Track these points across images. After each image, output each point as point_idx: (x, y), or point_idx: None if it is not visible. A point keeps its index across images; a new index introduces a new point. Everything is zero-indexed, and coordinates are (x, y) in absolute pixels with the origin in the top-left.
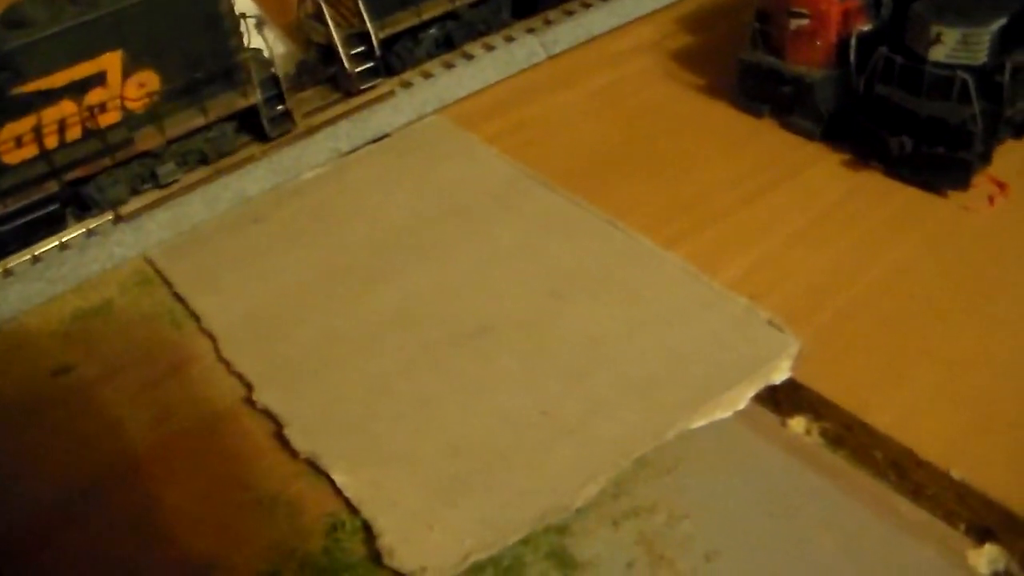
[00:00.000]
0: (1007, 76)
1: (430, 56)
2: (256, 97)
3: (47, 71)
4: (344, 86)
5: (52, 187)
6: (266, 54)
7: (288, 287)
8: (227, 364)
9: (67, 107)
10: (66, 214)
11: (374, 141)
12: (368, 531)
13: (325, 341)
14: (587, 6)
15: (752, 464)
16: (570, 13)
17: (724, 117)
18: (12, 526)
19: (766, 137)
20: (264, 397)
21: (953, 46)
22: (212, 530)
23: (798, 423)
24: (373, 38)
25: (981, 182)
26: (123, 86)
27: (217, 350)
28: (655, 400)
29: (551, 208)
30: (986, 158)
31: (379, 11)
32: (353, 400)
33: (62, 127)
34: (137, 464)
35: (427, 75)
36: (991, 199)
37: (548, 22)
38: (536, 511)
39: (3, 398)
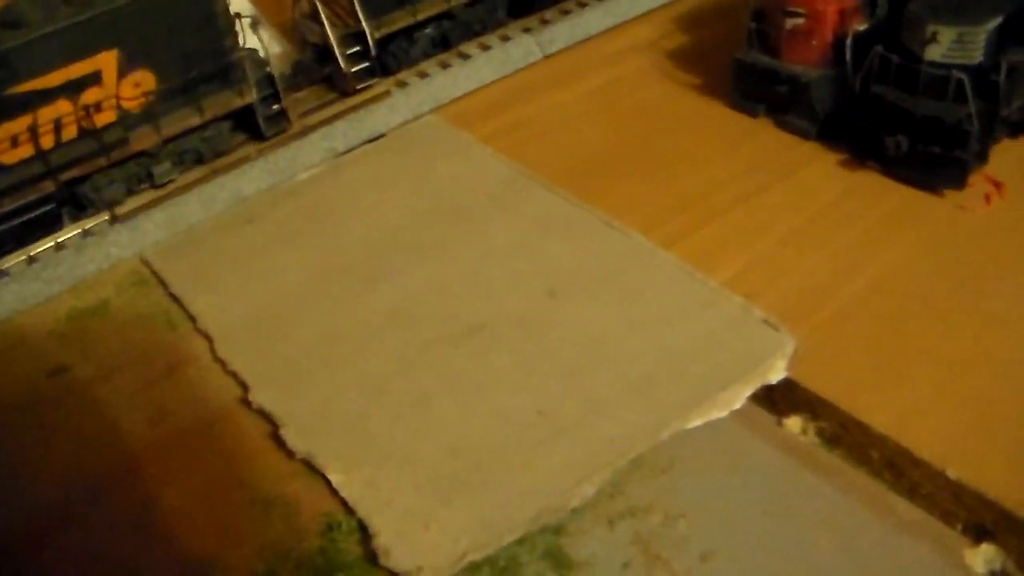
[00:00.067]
0: (1003, 75)
1: (426, 56)
2: (252, 96)
3: (42, 71)
4: (340, 86)
5: (48, 187)
6: (262, 54)
7: (284, 287)
8: (223, 364)
9: (63, 107)
10: (62, 214)
11: (370, 141)
12: (364, 531)
13: (321, 341)
14: (583, 5)
15: (748, 464)
16: (566, 13)
17: (720, 117)
18: (10, 527)
19: (762, 137)
20: (260, 397)
21: (949, 45)
22: (209, 530)
23: (794, 422)
24: (369, 38)
25: (977, 181)
26: (119, 85)
27: (213, 350)
28: (651, 399)
29: (548, 208)
30: (982, 157)
31: (375, 11)
32: (349, 400)
33: (58, 127)
34: (134, 464)
35: (423, 75)
36: (987, 198)
37: (544, 22)
38: (532, 511)
39: None
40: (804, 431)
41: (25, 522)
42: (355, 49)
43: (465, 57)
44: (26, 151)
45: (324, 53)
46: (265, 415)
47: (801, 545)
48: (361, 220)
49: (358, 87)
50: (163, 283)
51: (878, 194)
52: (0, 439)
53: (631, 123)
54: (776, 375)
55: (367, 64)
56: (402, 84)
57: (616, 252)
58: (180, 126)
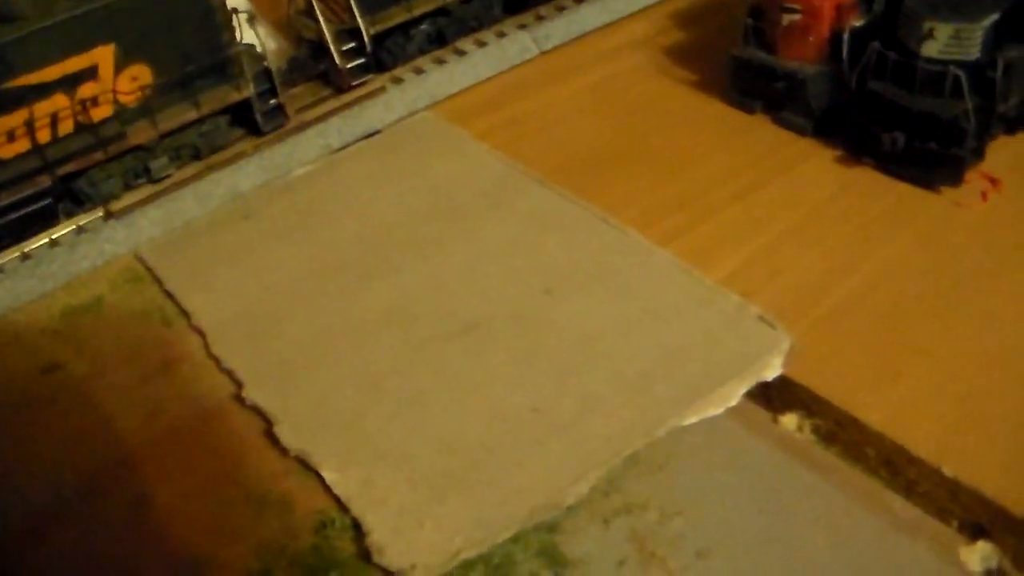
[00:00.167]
0: (1000, 72)
1: (421, 52)
2: (249, 91)
3: (39, 65)
4: (335, 82)
5: (44, 181)
6: (259, 49)
7: (279, 284)
8: (217, 361)
9: (59, 101)
10: (58, 209)
11: (365, 137)
12: (357, 529)
13: (316, 338)
14: (579, 2)
15: (744, 461)
16: (562, 9)
17: (716, 113)
18: (4, 524)
19: (758, 133)
20: (254, 394)
21: (946, 42)
22: (203, 527)
23: (790, 420)
24: (364, 34)
25: (974, 178)
26: (115, 80)
27: (207, 347)
28: (647, 397)
29: (543, 204)
30: (979, 154)
31: (370, 7)
32: (343, 397)
33: (54, 121)
34: (128, 461)
35: (418, 71)
36: (984, 195)
37: (540, 18)
38: (527, 509)
39: None
40: (800, 428)
41: (19, 519)
42: (350, 45)
43: (461, 53)
44: (22, 146)
45: (319, 49)
46: (259, 412)
47: (797, 542)
48: (356, 217)
49: (353, 83)
50: (157, 280)
51: (874, 191)
52: None
53: (627, 120)
54: (772, 372)
55: (362, 60)
56: (398, 80)
57: (612, 249)
58: (177, 121)
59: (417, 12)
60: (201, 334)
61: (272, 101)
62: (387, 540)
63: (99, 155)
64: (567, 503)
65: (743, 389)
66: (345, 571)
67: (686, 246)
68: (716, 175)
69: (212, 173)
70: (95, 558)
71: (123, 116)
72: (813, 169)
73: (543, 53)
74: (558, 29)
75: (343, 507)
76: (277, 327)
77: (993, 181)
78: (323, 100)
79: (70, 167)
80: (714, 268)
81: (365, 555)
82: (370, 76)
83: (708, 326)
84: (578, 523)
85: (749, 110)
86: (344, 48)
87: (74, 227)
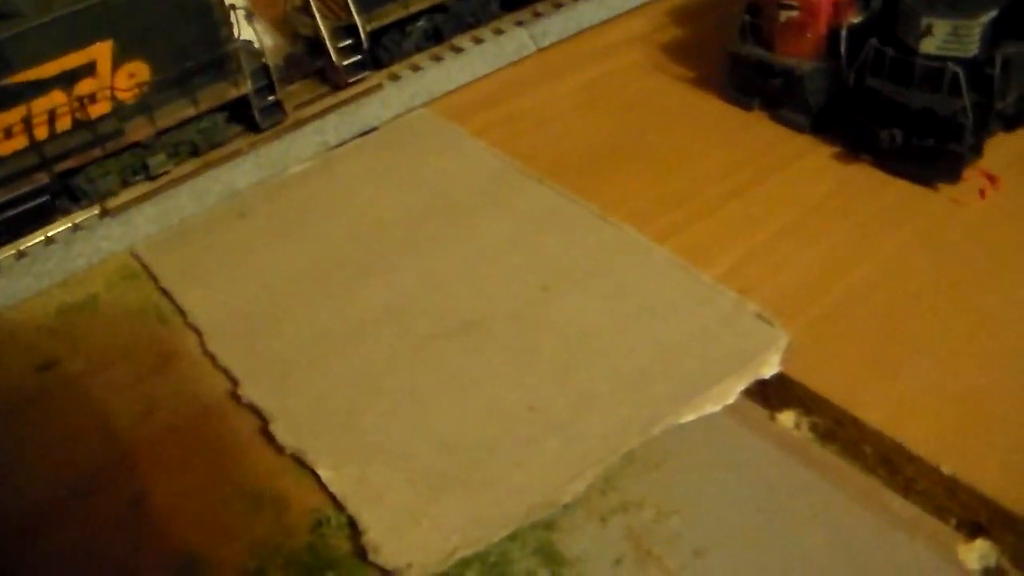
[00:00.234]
0: (998, 68)
1: (418, 49)
2: (247, 87)
3: (37, 61)
4: (332, 79)
5: (42, 178)
6: (256, 45)
7: (275, 282)
8: (213, 359)
9: (57, 97)
10: (56, 206)
11: (362, 135)
12: (354, 527)
13: (312, 336)
14: None
15: (741, 459)
16: (559, 6)
17: (714, 110)
18: (0, 522)
19: (756, 130)
20: (250, 392)
21: (944, 38)
22: (199, 525)
23: (787, 418)
24: (361, 31)
25: (972, 175)
26: (113, 76)
27: (203, 345)
28: (644, 394)
29: (541, 202)
30: (977, 151)
31: (367, 3)
32: (340, 395)
33: (52, 118)
34: (124, 459)
35: (415, 68)
36: (982, 192)
37: (537, 15)
38: (523, 507)
39: None
40: (797, 426)
41: (15, 517)
42: (347, 42)
43: (458, 50)
44: (20, 142)
45: (316, 46)
46: (255, 410)
47: (794, 541)
48: (353, 214)
49: (350, 80)
50: (153, 277)
51: (872, 188)
52: None
53: (625, 116)
54: (770, 370)
55: (359, 57)
56: (394, 77)
57: (610, 246)
58: (175, 117)
59: (414, 9)
60: (197, 332)
61: (270, 98)
62: (383, 539)
63: (97, 152)
64: (564, 501)
65: (740, 387)
66: (341, 570)
67: (683, 243)
68: (713, 172)
69: (209, 170)
70: (91, 556)
71: (121, 113)
72: (811, 166)
73: (540, 50)
74: (555, 26)
75: (339, 505)
76: (273, 325)
77: (991, 178)
78: (320, 97)
79: (68, 164)
80: (711, 265)
81: (361, 554)
82: (367, 73)
83: (705, 323)
84: (575, 521)
85: (746, 107)
86: (341, 45)
87: (70, 225)
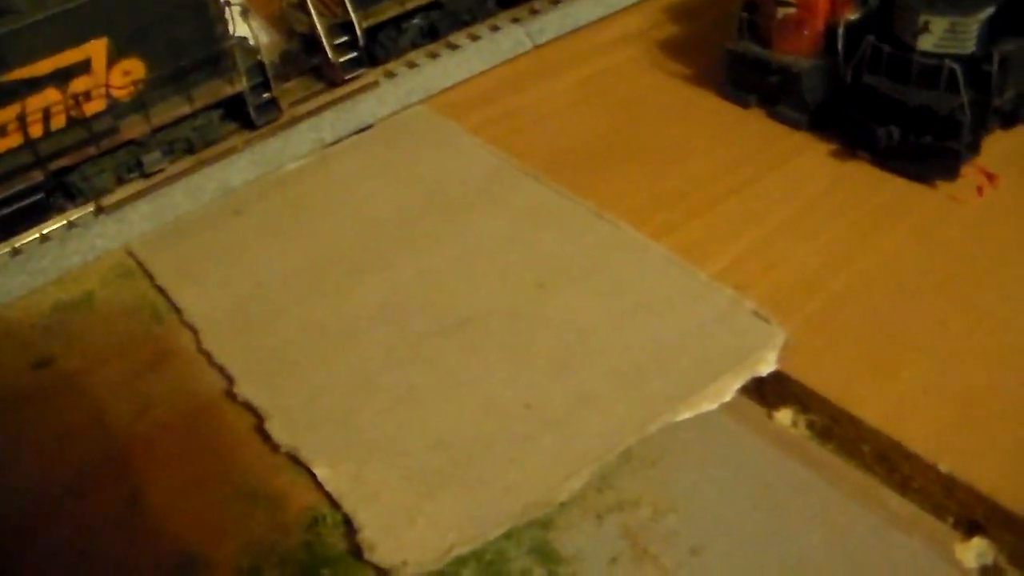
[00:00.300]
0: (995, 65)
1: (414, 46)
2: (242, 84)
3: (31, 59)
4: (328, 76)
5: (37, 176)
6: (251, 42)
7: (270, 279)
8: (208, 357)
9: (52, 95)
10: (50, 204)
11: (358, 132)
12: (349, 525)
13: (307, 334)
14: None
15: (738, 457)
16: (556, 2)
17: (711, 107)
18: None
19: (753, 127)
20: (245, 390)
21: (941, 35)
22: (194, 524)
23: (784, 415)
24: (357, 28)
25: (970, 172)
26: (108, 74)
27: (198, 343)
28: (640, 392)
29: (537, 199)
30: (974, 148)
31: (363, 0)
32: (335, 393)
33: (47, 115)
34: (118, 457)
35: (412, 65)
36: (980, 189)
37: (534, 11)
38: (519, 505)
39: None
40: (795, 424)
41: (10, 516)
42: (343, 39)
43: (454, 47)
44: (14, 140)
45: (312, 43)
46: (250, 408)
47: (791, 539)
48: (349, 212)
49: (346, 77)
50: (149, 275)
51: (870, 185)
52: None
53: (621, 114)
54: (766, 367)
55: (355, 54)
56: (390, 74)
57: (606, 244)
58: (170, 115)
59: (410, 6)
60: (192, 329)
61: (265, 95)
62: (379, 537)
63: (92, 150)
64: (560, 499)
65: (737, 384)
66: (337, 568)
67: (680, 240)
68: (710, 169)
69: (204, 168)
70: (87, 554)
71: (116, 110)
72: (808, 163)
73: (537, 47)
74: (552, 23)
75: (335, 503)
76: (269, 322)
77: (989, 176)
78: (315, 94)
79: (62, 162)
80: (708, 262)
81: (357, 552)
82: (363, 70)
83: (702, 321)
84: (571, 519)
85: (744, 104)
86: (337, 42)
87: (65, 222)
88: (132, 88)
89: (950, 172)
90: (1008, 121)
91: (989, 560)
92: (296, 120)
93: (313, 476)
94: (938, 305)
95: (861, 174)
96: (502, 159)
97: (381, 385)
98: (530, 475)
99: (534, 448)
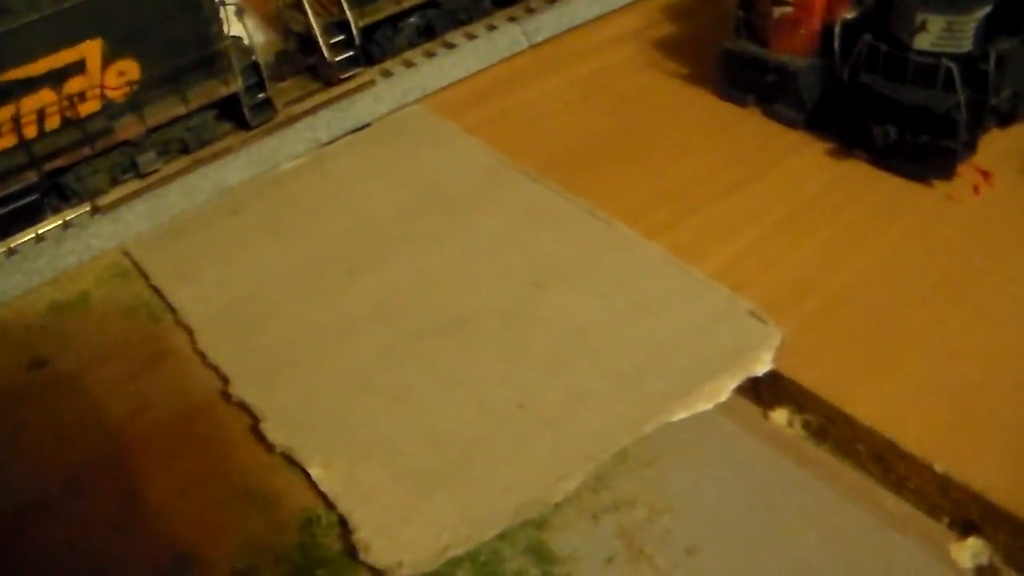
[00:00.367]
0: (992, 64)
1: (411, 45)
2: (237, 85)
3: (26, 59)
4: (324, 75)
5: (31, 177)
6: (246, 42)
7: (266, 279)
8: (203, 357)
9: (46, 96)
10: (45, 205)
11: (354, 131)
12: (344, 525)
13: (303, 333)
14: None
15: (734, 457)
16: (553, 1)
17: (707, 106)
18: None
19: (750, 126)
20: (240, 390)
21: (938, 34)
22: (189, 524)
23: (780, 415)
24: (353, 27)
25: (966, 171)
26: (103, 74)
27: (194, 343)
28: (636, 392)
29: (533, 198)
30: (971, 147)
31: None
32: (330, 393)
33: (41, 116)
34: (114, 458)
35: (408, 64)
36: (976, 188)
37: (530, 11)
38: (514, 505)
39: None
40: (790, 424)
41: (6, 515)
42: (339, 38)
43: (450, 46)
44: (9, 141)
45: (308, 42)
46: (246, 408)
47: (787, 539)
48: (345, 211)
49: (342, 76)
50: (144, 275)
51: (866, 184)
52: None
53: (617, 113)
54: (762, 367)
55: (351, 53)
56: (387, 73)
57: (602, 243)
58: (165, 115)
59: (406, 5)
60: (188, 330)
61: (260, 95)
62: (373, 537)
63: (86, 150)
64: (555, 500)
65: (733, 384)
66: (332, 568)
67: (676, 240)
68: (707, 168)
69: (199, 168)
70: (81, 554)
71: (110, 111)
72: (804, 162)
73: (533, 46)
74: (548, 22)
75: (329, 504)
76: (264, 322)
77: (985, 174)
78: (312, 93)
79: (57, 163)
80: (704, 262)
81: (351, 552)
82: (359, 69)
83: (698, 320)
84: (566, 520)
85: (740, 103)
86: (333, 41)
87: (60, 222)
88: (127, 88)
89: (947, 171)
90: (1004, 120)
91: (984, 560)
92: (292, 119)
93: (308, 476)
94: (934, 304)
95: (858, 173)
96: (499, 158)
97: (377, 385)
98: (525, 475)
99: (530, 448)
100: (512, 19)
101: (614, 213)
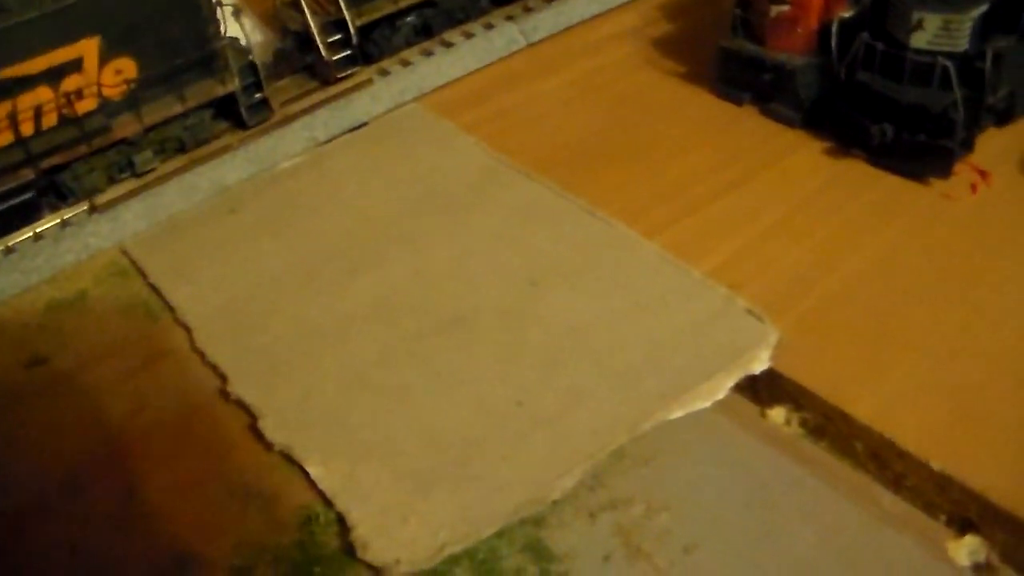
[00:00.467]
0: (989, 63)
1: (408, 44)
2: (234, 84)
3: (23, 57)
4: (321, 74)
5: (27, 175)
6: (243, 42)
7: (264, 278)
8: (201, 355)
9: (43, 93)
10: (41, 203)
11: (352, 130)
12: (342, 524)
13: (301, 332)
14: None
15: (731, 455)
16: (550, 0)
17: (705, 105)
18: None
19: (747, 125)
20: (238, 389)
21: (935, 32)
22: (187, 523)
23: (778, 414)
24: (350, 26)
25: (963, 170)
26: (100, 73)
27: (192, 341)
28: (633, 390)
29: (530, 197)
30: (968, 146)
31: None
32: (328, 391)
33: (38, 114)
34: (112, 456)
35: (405, 63)
36: (973, 187)
37: (528, 9)
38: (512, 503)
39: None
40: (788, 422)
41: (3, 513)
42: (336, 37)
43: (448, 45)
44: (5, 139)
45: (305, 41)
46: (244, 406)
47: (784, 537)
48: (342, 210)
49: (340, 75)
50: (142, 273)
51: (863, 183)
52: None
53: (615, 111)
54: (760, 365)
55: (349, 52)
56: (384, 72)
57: (599, 242)
58: (162, 114)
59: (403, 4)
60: (186, 328)
61: (257, 95)
62: (372, 535)
63: (83, 149)
64: (552, 498)
65: (730, 383)
66: (330, 566)
67: (673, 238)
68: (704, 167)
69: (197, 167)
70: (79, 553)
71: (107, 109)
72: (802, 161)
73: (531, 45)
74: (546, 21)
75: (328, 502)
76: (262, 321)
77: (982, 173)
78: (309, 92)
79: (54, 161)
80: (702, 261)
81: (350, 550)
82: (356, 68)
83: (695, 319)
84: (564, 518)
85: (737, 102)
86: (330, 40)
87: (58, 221)
88: (124, 87)
89: (943, 170)
90: (1001, 119)
91: (982, 558)
92: (290, 118)
93: (306, 475)
94: (931, 303)
95: (854, 172)
96: (496, 157)
97: (375, 384)
98: (523, 473)
99: (527, 446)
100: (510, 18)
101: (611, 212)
